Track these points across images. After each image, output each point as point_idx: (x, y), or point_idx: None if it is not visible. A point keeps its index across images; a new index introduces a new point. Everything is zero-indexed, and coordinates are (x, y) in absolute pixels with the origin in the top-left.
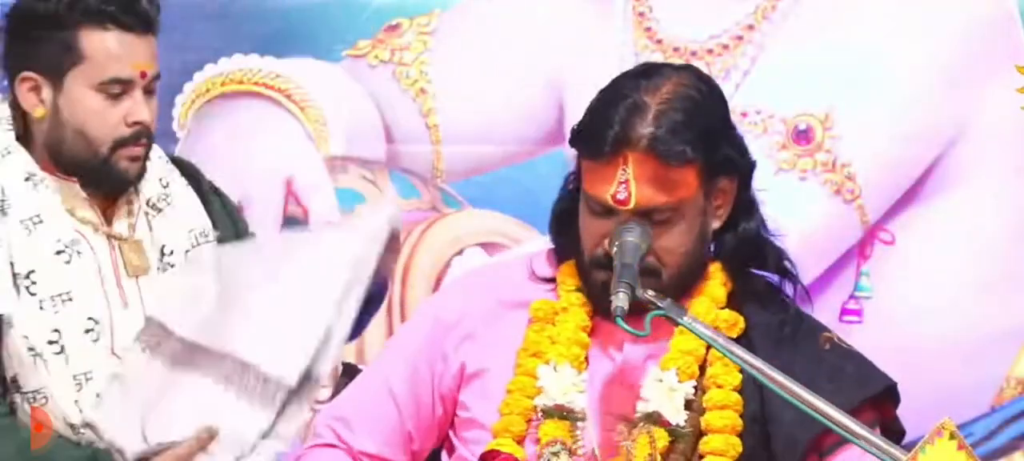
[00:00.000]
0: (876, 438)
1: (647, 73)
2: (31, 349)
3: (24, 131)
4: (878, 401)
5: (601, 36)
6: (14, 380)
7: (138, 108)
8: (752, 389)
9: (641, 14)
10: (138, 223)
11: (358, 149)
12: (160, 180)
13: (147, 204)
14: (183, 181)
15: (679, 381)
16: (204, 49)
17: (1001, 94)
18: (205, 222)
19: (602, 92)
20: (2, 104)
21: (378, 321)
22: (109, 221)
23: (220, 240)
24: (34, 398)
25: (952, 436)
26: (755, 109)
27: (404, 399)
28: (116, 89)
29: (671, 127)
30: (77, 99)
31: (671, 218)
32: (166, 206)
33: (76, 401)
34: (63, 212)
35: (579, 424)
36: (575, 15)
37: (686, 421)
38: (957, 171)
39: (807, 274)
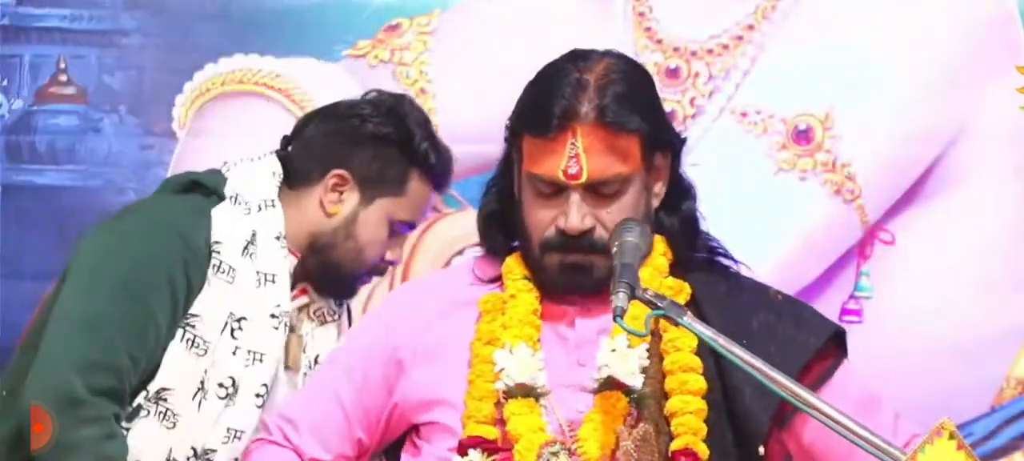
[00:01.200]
0: (876, 438)
1: (578, 57)
2: (201, 383)
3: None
4: (835, 341)
5: (601, 36)
6: (160, 392)
7: (400, 250)
8: (710, 362)
9: (641, 14)
10: (306, 322)
11: None
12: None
13: (314, 312)
14: (348, 312)
15: (629, 346)
16: (204, 49)
17: (1001, 94)
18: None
19: (536, 78)
20: (276, 161)
21: None
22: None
23: None
24: (166, 415)
25: (952, 436)
26: (755, 109)
27: (352, 407)
28: (401, 229)
29: (615, 97)
30: (375, 222)
31: (619, 191)
32: (332, 322)
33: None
34: (288, 283)
35: (543, 400)
36: (575, 15)
37: (649, 386)
38: (957, 171)
39: (807, 274)
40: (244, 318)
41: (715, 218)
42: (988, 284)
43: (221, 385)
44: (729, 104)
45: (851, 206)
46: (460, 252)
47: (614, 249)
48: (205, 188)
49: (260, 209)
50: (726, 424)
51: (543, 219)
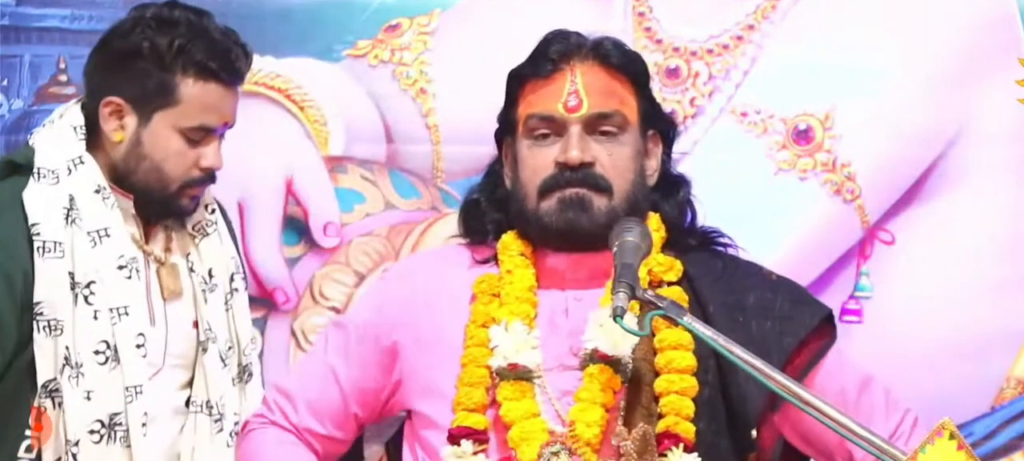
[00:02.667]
0: (875, 438)
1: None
2: (68, 358)
3: (89, 145)
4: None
5: None
6: (46, 384)
7: (213, 155)
8: (703, 342)
9: (641, 14)
10: (178, 248)
11: (358, 149)
12: (206, 206)
13: (193, 228)
14: (220, 210)
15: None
16: None
17: (1001, 94)
18: (235, 251)
19: (533, 50)
20: (78, 112)
21: None
22: (146, 241)
23: None
24: (56, 401)
25: (952, 436)
26: (755, 109)
27: (349, 387)
28: (197, 136)
29: (613, 43)
30: (160, 137)
31: (618, 132)
32: (213, 231)
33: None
34: (125, 229)
35: (537, 380)
36: (575, 15)
37: (640, 364)
38: (957, 171)
39: (807, 274)
40: (92, 282)
41: (715, 218)
42: (988, 284)
43: (97, 351)
44: (729, 104)
45: (851, 206)
46: None
47: (614, 249)
48: (21, 167)
49: (70, 172)
50: (720, 403)
51: (541, 164)
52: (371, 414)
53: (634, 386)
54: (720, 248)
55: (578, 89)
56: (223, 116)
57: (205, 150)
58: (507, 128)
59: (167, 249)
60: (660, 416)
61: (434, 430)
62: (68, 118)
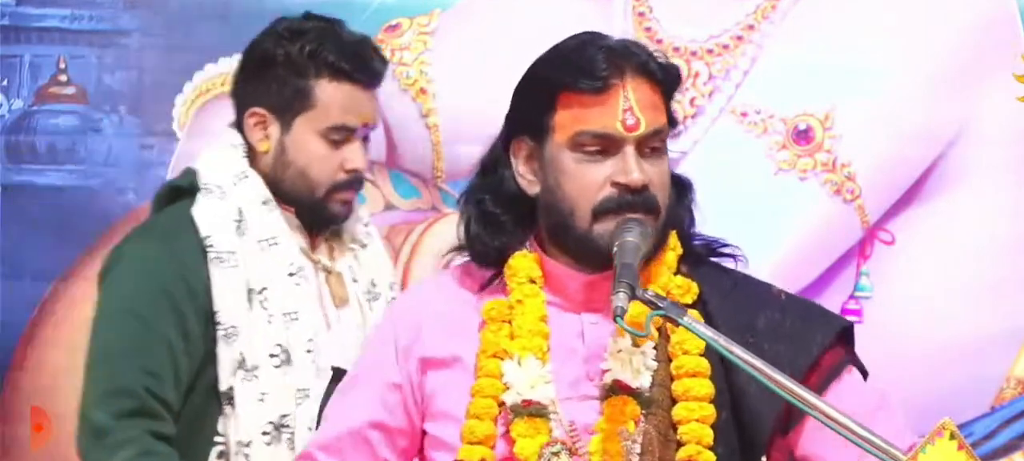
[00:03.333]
0: (876, 438)
1: (596, 34)
2: (243, 361)
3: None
4: (843, 338)
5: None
6: (226, 392)
7: (356, 156)
8: (717, 364)
9: (641, 14)
10: (341, 257)
11: None
12: (361, 219)
13: (352, 240)
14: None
15: (634, 345)
16: (204, 49)
17: (1001, 94)
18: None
19: (557, 48)
20: (233, 131)
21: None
22: (312, 251)
23: None
24: (233, 406)
25: (952, 436)
26: (755, 109)
27: (376, 432)
28: (338, 137)
29: (650, 53)
30: (302, 142)
31: (660, 149)
32: (370, 243)
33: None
34: (292, 237)
35: (552, 415)
36: (575, 15)
37: (657, 391)
38: (957, 171)
39: (807, 274)
40: (265, 288)
41: (715, 218)
42: (988, 284)
43: (272, 355)
44: (729, 104)
45: (851, 206)
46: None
47: (614, 249)
48: (186, 190)
49: (235, 185)
50: (732, 427)
51: (593, 182)
52: (403, 453)
53: (651, 414)
54: (727, 259)
55: (633, 106)
56: (362, 116)
57: (348, 152)
58: (530, 130)
59: (331, 259)
60: (679, 444)
61: (444, 452)
62: (227, 138)
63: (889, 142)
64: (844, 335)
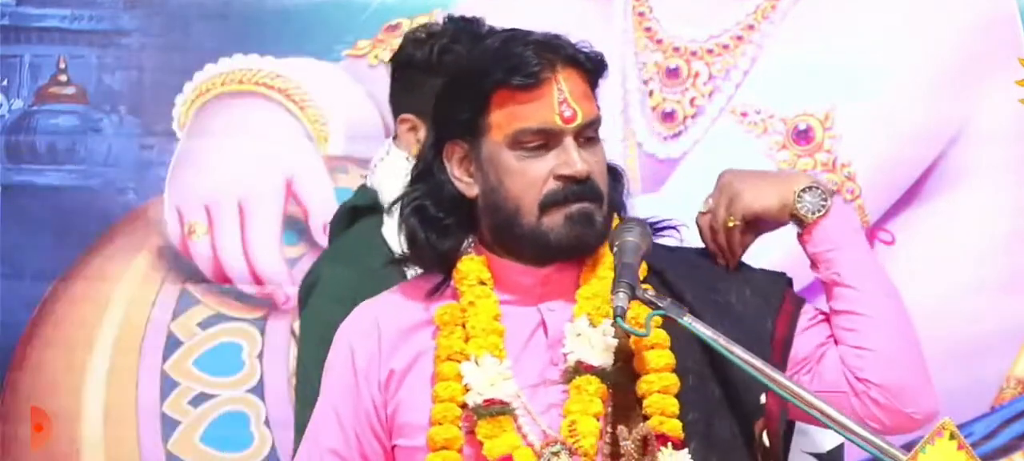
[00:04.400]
0: (876, 438)
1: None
2: None
3: None
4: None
5: (601, 36)
6: None
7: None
8: (684, 333)
9: (641, 14)
10: None
11: (358, 149)
12: None
13: None
14: None
15: (591, 325)
16: (204, 49)
17: (1001, 94)
18: None
19: (479, 49)
20: (394, 144)
21: None
22: None
23: None
24: None
25: (952, 436)
26: (755, 109)
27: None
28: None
29: (569, 42)
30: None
31: (595, 138)
32: None
33: None
34: None
35: (518, 410)
36: (575, 15)
37: (621, 369)
38: (957, 171)
39: (807, 274)
40: None
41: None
42: (988, 284)
43: None
44: (729, 104)
45: (851, 206)
46: None
47: (614, 249)
48: (365, 209)
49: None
50: (713, 384)
51: (537, 177)
52: None
53: (617, 391)
54: (670, 232)
55: (568, 98)
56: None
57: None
58: (462, 132)
59: None
60: (645, 417)
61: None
62: (394, 152)
63: (889, 142)
64: (789, 282)
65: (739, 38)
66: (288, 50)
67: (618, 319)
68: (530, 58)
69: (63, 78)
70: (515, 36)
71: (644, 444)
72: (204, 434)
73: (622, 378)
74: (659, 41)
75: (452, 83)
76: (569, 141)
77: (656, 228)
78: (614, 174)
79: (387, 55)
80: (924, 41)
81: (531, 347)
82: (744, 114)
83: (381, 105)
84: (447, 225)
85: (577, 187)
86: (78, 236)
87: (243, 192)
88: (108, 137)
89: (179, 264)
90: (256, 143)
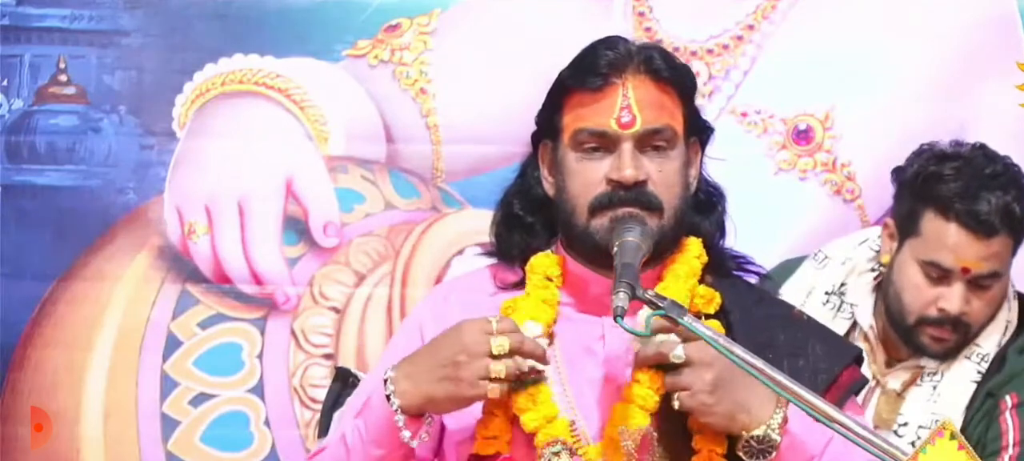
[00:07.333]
0: (876, 438)
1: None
2: None
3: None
4: (858, 361)
5: (601, 36)
6: None
7: (951, 298)
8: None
9: (641, 14)
10: (916, 388)
11: (358, 149)
12: (954, 359)
13: (929, 374)
14: (973, 373)
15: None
16: (204, 49)
17: (1001, 94)
18: (956, 416)
19: (579, 56)
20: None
21: (377, 324)
22: (887, 367)
23: None
24: None
25: (952, 436)
26: (755, 109)
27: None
28: (935, 273)
29: (661, 54)
30: (905, 265)
31: (667, 146)
32: (927, 384)
33: None
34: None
35: (553, 385)
36: (575, 15)
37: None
38: None
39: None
40: None
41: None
42: None
43: None
44: (729, 104)
45: (851, 206)
46: (460, 252)
47: (614, 249)
48: None
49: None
50: None
51: (592, 179)
52: (426, 449)
53: (667, 419)
54: (752, 275)
55: (631, 104)
56: (960, 261)
57: (944, 291)
58: (548, 132)
59: (905, 385)
60: (693, 451)
61: (462, 445)
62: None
63: (889, 142)
64: (859, 359)
65: (739, 38)
66: (288, 50)
67: (618, 319)
68: (602, 61)
69: (63, 78)
70: (605, 41)
71: (645, 443)
72: (204, 434)
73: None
74: (659, 41)
75: (551, 86)
76: (626, 146)
77: (742, 265)
78: (711, 196)
79: (387, 55)
80: (924, 41)
81: (587, 356)
82: (744, 114)
83: (381, 105)
84: (529, 223)
85: (624, 193)
86: (78, 236)
87: (243, 192)
88: (108, 137)
89: (179, 264)
90: (256, 143)
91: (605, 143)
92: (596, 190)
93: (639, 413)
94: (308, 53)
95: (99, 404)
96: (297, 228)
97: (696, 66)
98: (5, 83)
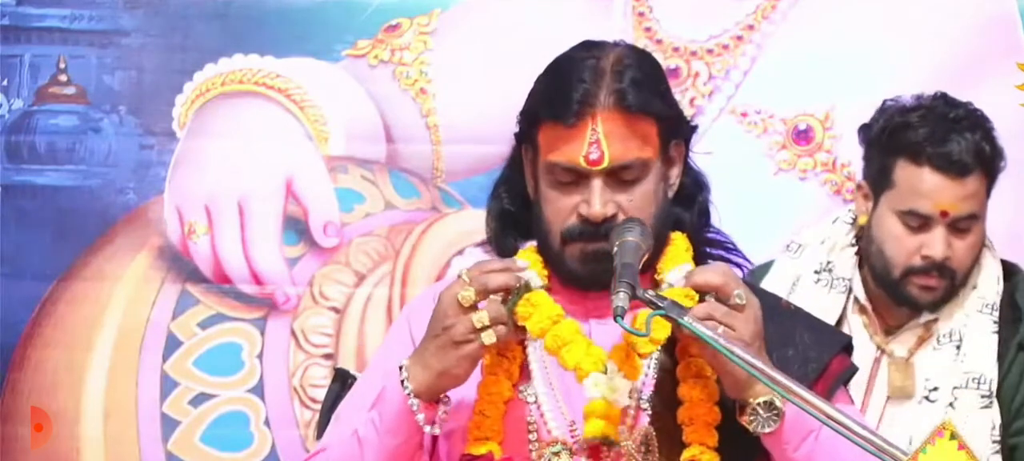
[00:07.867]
0: (877, 437)
1: (591, 45)
2: None
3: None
4: (847, 349)
5: (600, 36)
6: None
7: (933, 244)
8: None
9: (641, 14)
10: (922, 350)
11: (358, 149)
12: (966, 316)
13: (946, 335)
14: (990, 325)
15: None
16: (204, 49)
17: (1001, 94)
18: (990, 370)
19: (549, 67)
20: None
21: (377, 324)
22: (888, 335)
23: None
24: None
25: (952, 436)
26: (755, 109)
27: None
28: (914, 222)
29: (632, 82)
30: (884, 219)
31: (639, 177)
32: (946, 345)
33: None
34: (853, 316)
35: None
36: (575, 15)
37: (663, 395)
38: None
39: None
40: None
41: (715, 218)
42: None
43: None
44: (729, 104)
45: (851, 206)
46: (460, 252)
47: (615, 249)
48: None
49: (795, 254)
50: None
51: (563, 208)
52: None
53: (660, 419)
54: (735, 267)
55: (599, 139)
56: (938, 205)
57: (926, 238)
58: (527, 141)
59: (911, 351)
60: (685, 445)
61: (456, 441)
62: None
63: None
64: (848, 348)
65: (739, 38)
66: (288, 50)
67: (618, 319)
68: (573, 96)
69: (63, 78)
70: (580, 63)
71: (645, 443)
72: (204, 434)
73: (666, 404)
74: (659, 41)
75: (529, 92)
76: (596, 182)
77: (728, 252)
78: (693, 189)
79: (387, 55)
80: (924, 41)
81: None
82: (744, 114)
83: (381, 105)
84: (519, 218)
85: (593, 228)
86: (78, 236)
87: (243, 192)
88: (108, 137)
89: (179, 264)
90: (256, 143)
91: (575, 177)
92: (567, 221)
93: (645, 344)
94: (308, 53)
95: (99, 404)
96: (297, 228)
97: (696, 66)
98: (5, 83)
